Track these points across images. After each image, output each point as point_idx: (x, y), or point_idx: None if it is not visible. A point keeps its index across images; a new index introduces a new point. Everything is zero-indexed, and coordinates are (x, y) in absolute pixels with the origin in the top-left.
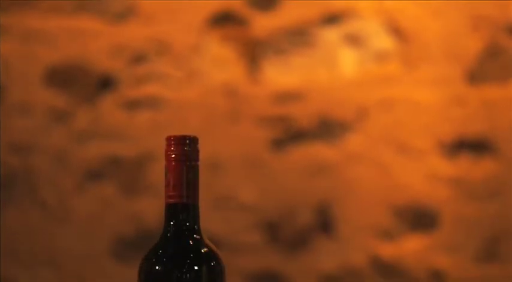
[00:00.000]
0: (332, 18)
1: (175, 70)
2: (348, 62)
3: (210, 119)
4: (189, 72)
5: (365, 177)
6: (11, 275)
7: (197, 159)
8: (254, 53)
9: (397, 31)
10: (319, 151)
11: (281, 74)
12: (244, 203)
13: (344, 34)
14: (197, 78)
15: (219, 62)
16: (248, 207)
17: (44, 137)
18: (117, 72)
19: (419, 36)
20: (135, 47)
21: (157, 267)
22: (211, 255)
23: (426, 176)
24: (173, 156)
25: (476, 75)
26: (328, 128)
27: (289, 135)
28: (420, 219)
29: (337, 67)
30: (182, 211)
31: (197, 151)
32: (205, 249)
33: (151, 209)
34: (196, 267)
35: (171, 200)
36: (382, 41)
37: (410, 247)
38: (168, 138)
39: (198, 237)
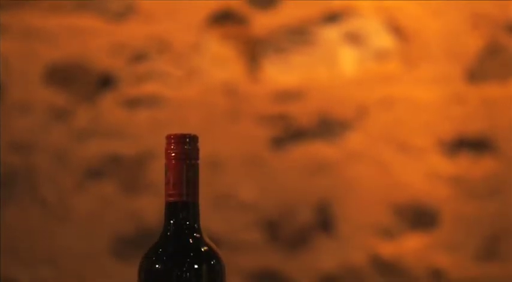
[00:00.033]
0: (332, 17)
1: (175, 68)
2: (348, 61)
3: (210, 117)
4: (189, 70)
5: (365, 176)
6: (11, 273)
7: (197, 158)
8: (254, 51)
9: (397, 30)
10: (319, 150)
11: (281, 73)
12: (244, 202)
13: (344, 33)
14: (197, 77)
15: (219, 61)
16: (248, 206)
17: (44, 136)
18: (117, 70)
19: (420, 34)
20: (135, 45)
21: (157, 266)
22: (211, 254)
23: (426, 174)
24: (173, 154)
25: (476, 74)
26: (328, 127)
27: (289, 133)
28: (420, 217)
29: (337, 66)
30: (182, 209)
31: (197, 149)
32: (205, 248)
33: (151, 208)
34: (196, 266)
35: (171, 199)
36: (382, 39)
37: (410, 246)
38: (168, 137)
39: (198, 235)
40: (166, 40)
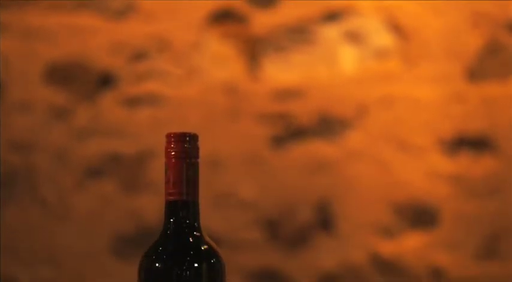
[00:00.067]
0: (332, 16)
1: (175, 67)
2: (348, 59)
3: (210, 116)
4: (189, 69)
5: (365, 175)
6: (11, 272)
7: (197, 157)
8: (254, 50)
9: (397, 28)
10: (319, 148)
11: (281, 71)
12: (244, 200)
13: (344, 31)
14: (197, 76)
15: (219, 60)
16: (248, 205)
17: (44, 135)
18: (117, 69)
19: (420, 33)
20: (135, 44)
21: (157, 265)
22: (211, 253)
23: (426, 173)
24: (173, 153)
25: (476, 73)
26: (328, 125)
27: (289, 132)
28: (420, 216)
29: (337, 64)
30: (182, 208)
31: (197, 148)
32: (205, 247)
33: (151, 206)
34: (196, 265)
35: (171, 197)
36: (382, 38)
37: (410, 244)
38: (168, 136)
39: (198, 234)
40: (167, 39)
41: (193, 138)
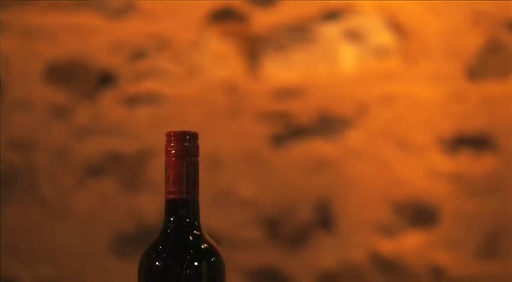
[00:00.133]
0: (332, 14)
1: (175, 66)
2: (348, 58)
3: (210, 115)
4: (189, 68)
5: (365, 173)
6: (11, 271)
7: (197, 155)
8: (254, 49)
9: (397, 27)
10: (319, 147)
11: (281, 70)
12: (244, 199)
13: (344, 30)
14: (197, 74)
15: (219, 58)
16: (248, 203)
17: (44, 134)
18: (117, 68)
19: (419, 32)
20: (135, 43)
21: (157, 263)
22: (211, 251)
23: (426, 172)
24: (173, 152)
25: (476, 72)
26: (328, 124)
27: (289, 131)
28: (420, 215)
29: (337, 63)
30: (182, 207)
31: (197, 147)
32: (205, 245)
33: (151, 205)
34: (196, 263)
35: (171, 196)
36: (382, 37)
37: (410, 243)
38: (168, 134)
39: (198, 233)
40: (166, 38)
41: (193, 136)
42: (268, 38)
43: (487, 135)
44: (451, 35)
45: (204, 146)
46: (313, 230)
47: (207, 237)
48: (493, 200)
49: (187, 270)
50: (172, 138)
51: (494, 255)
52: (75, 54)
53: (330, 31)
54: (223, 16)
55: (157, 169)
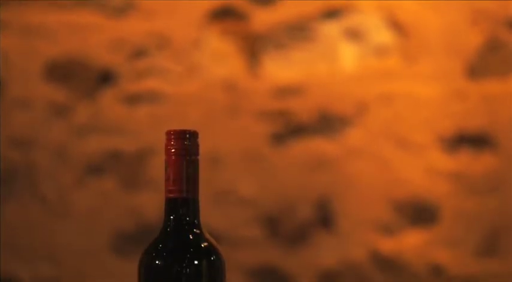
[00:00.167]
0: (332, 13)
1: (175, 64)
2: (348, 57)
3: (210, 113)
4: (189, 66)
5: (365, 172)
6: (11, 269)
7: (197, 154)
8: (254, 47)
9: (397, 25)
10: (319, 146)
11: (281, 69)
12: (244, 198)
13: (344, 28)
14: (197, 73)
15: (219, 57)
16: (248, 202)
17: (44, 132)
18: (117, 66)
19: (419, 30)
20: (135, 41)
21: (157, 262)
22: (211, 250)
23: (426, 170)
24: (173, 150)
25: (476, 70)
26: (328, 123)
27: (289, 129)
28: (420, 214)
29: (337, 61)
30: (182, 205)
31: (197, 145)
32: (205, 244)
33: (151, 204)
34: (196, 262)
35: (171, 195)
36: (382, 35)
37: (410, 242)
38: (168, 133)
39: (198, 231)
40: (166, 36)
41: (193, 135)
42: (268, 36)
43: (487, 133)
44: (451, 34)
45: (204, 145)
46: (313, 229)
47: (207, 235)
48: (493, 199)
49: (187, 269)
50: (172, 136)
51: (494, 253)
52: (75, 52)
53: (330, 30)
54: (223, 14)
55: (157, 168)
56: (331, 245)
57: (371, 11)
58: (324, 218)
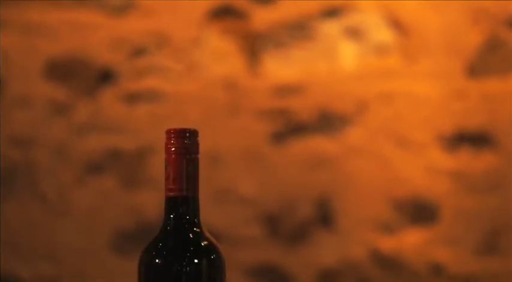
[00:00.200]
0: (332, 12)
1: (175, 63)
2: (347, 55)
3: (210, 112)
4: (189, 65)
5: (365, 171)
6: (11, 268)
7: (197, 152)
8: (254, 46)
9: (397, 24)
10: (319, 144)
11: (281, 67)
12: (244, 196)
13: (344, 27)
14: (197, 72)
15: (219, 55)
16: (248, 201)
17: (44, 130)
18: (117, 65)
19: (419, 29)
20: (135, 40)
21: (157, 260)
22: (211, 249)
23: (426, 169)
24: (173, 149)
25: (476, 69)
26: (328, 121)
27: (289, 128)
28: (420, 212)
29: (337, 60)
30: (182, 204)
31: (197, 144)
32: (205, 242)
33: (151, 202)
34: (196, 260)
35: (171, 193)
36: (382, 34)
37: (411, 240)
38: (168, 131)
39: (198, 230)
40: (166, 35)
41: (193, 134)
42: (268, 35)
43: (487, 132)
44: (451, 33)
45: (204, 143)
46: (313, 228)
47: (207, 234)
48: (493, 198)
49: (187, 268)
50: (172, 135)
51: (494, 252)
52: (75, 51)
53: (330, 28)
54: (223, 13)
55: (157, 166)
56: (331, 243)
57: (371, 9)
58: (324, 216)
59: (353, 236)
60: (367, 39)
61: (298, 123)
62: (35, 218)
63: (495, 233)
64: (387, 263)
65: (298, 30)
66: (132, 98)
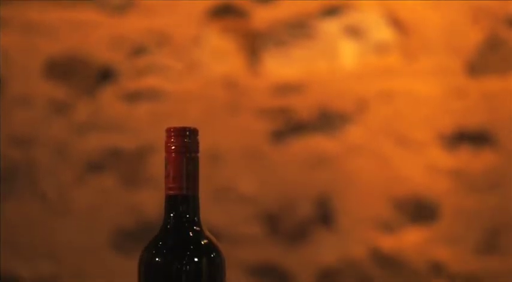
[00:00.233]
0: (332, 10)
1: (175, 62)
2: (348, 54)
3: (210, 110)
4: (189, 64)
5: (365, 169)
6: (11, 267)
7: (197, 151)
8: (254, 44)
9: (397, 23)
10: (319, 143)
11: (281, 66)
12: (244, 195)
13: (344, 26)
14: (197, 70)
15: (219, 54)
16: (248, 199)
17: (44, 129)
18: (117, 64)
19: (419, 28)
20: (135, 38)
21: (157, 259)
22: (211, 247)
23: (426, 168)
24: (173, 147)
25: (476, 67)
26: (328, 120)
27: (289, 127)
28: (420, 211)
29: (337, 59)
30: (182, 203)
31: (197, 143)
32: (205, 241)
33: (151, 201)
34: (196, 259)
35: (171, 192)
36: (382, 32)
37: (410, 239)
38: (168, 130)
39: (198, 229)
40: (167, 33)
41: (193, 132)
42: (268, 33)
43: (487, 131)
44: (451, 31)
45: (204, 142)
46: (313, 226)
47: (207, 233)
48: (493, 196)
49: (187, 266)
50: (172, 134)
51: (494, 251)
52: (75, 50)
53: (330, 27)
54: (223, 12)
55: (157, 165)
56: (331, 242)
57: (371, 8)
58: (324, 215)
59: (353, 234)
60: (367, 38)
61: (298, 121)
62: (35, 217)
63: (495, 231)
64: (387, 261)
65: (298, 28)
66: (132, 97)
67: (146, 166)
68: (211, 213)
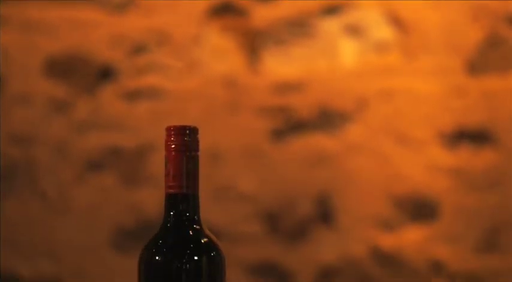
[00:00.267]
0: (332, 9)
1: (175, 61)
2: (348, 53)
3: (210, 109)
4: (189, 62)
5: (365, 168)
6: (11, 266)
7: (197, 150)
8: (254, 43)
9: (397, 21)
10: (319, 141)
11: (281, 65)
12: (244, 194)
13: (344, 25)
14: (197, 69)
15: (219, 53)
16: (248, 198)
17: (44, 128)
18: (117, 62)
19: (420, 26)
20: (135, 37)
21: (157, 258)
22: (211, 246)
23: (426, 166)
24: (173, 146)
25: (476, 66)
26: (328, 119)
27: (289, 125)
28: (420, 209)
29: (337, 57)
30: (182, 201)
31: (197, 141)
32: (205, 240)
33: (151, 200)
34: (196, 258)
35: (171, 190)
36: (382, 31)
37: (411, 238)
38: (168, 129)
39: (198, 227)
40: (167, 32)
41: (193, 131)
42: (268, 32)
43: (487, 129)
44: (451, 30)
45: (204, 141)
46: (313, 225)
47: (207, 231)
48: (493, 195)
49: (187, 265)
50: (173, 132)
51: (494, 250)
52: (75, 48)
53: (330, 26)
54: (223, 10)
55: (157, 164)
56: (331, 241)
57: (371, 7)
58: (324, 214)
59: (353, 233)
60: (367, 37)
61: (298, 120)
62: (35, 215)
63: (495, 230)
64: (387, 260)
65: (298, 27)
66: (132, 96)
67: (146, 165)
68: (211, 212)
